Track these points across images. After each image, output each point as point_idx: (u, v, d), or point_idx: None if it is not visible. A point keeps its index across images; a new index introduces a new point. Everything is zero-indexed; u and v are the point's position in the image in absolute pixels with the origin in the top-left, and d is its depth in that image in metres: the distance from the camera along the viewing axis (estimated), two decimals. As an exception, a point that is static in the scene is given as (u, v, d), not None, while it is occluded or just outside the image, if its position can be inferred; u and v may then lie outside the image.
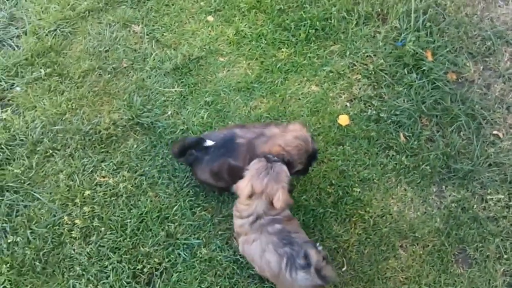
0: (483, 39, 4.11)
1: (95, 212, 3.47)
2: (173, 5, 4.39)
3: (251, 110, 3.90)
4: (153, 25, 4.29)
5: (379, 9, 4.21)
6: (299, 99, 3.92)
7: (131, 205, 3.52)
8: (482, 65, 4.03)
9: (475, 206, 3.54)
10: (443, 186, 3.61)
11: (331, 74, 4.00)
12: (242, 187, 2.80)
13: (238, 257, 3.33)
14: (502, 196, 3.54)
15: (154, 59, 4.08)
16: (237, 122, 3.80)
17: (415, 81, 3.88)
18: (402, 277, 3.29)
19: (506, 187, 3.57)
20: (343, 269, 3.30)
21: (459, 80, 3.97)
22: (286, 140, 2.96)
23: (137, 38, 4.22)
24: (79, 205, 3.49)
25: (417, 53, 3.96)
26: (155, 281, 3.28)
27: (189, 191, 3.59)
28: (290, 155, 2.94)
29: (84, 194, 3.50)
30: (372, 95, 3.90)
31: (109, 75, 4.03)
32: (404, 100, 3.86)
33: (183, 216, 3.50)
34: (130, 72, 4.05)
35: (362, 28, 4.17)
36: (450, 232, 3.46)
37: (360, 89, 3.94)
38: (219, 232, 3.45)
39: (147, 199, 3.53)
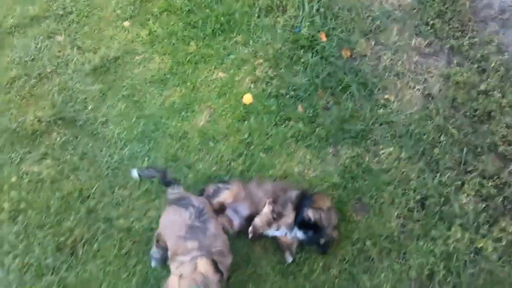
0: (373, 19, 4.53)
1: (21, 197, 3.76)
2: (92, 15, 4.79)
3: (165, 99, 4.24)
4: (74, 35, 4.68)
5: (278, 2, 4.63)
6: (208, 85, 4.29)
7: (55, 189, 3.81)
8: (374, 41, 4.44)
9: (368, 160, 3.85)
10: (339, 146, 3.95)
11: (236, 61, 4.39)
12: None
13: (154, 225, 3.62)
14: (392, 149, 3.87)
15: (75, 63, 4.45)
16: (153, 111, 4.22)
17: (310, 60, 4.25)
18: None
19: (396, 141, 3.91)
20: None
21: (353, 56, 4.37)
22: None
23: (60, 46, 4.60)
24: (7, 192, 3.76)
25: (312, 35, 4.37)
26: (78, 251, 3.54)
27: (108, 173, 3.88)
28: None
29: (11, 181, 3.77)
30: (272, 75, 4.28)
31: (34, 80, 4.38)
32: (301, 77, 4.23)
33: (103, 195, 3.78)
34: (53, 76, 4.42)
35: (263, 20, 4.58)
36: (346, 185, 3.76)
37: (262, 71, 4.32)
38: (136, 205, 3.71)
39: (69, 183, 3.81)
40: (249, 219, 3.43)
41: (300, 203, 3.40)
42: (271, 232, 3.42)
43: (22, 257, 3.55)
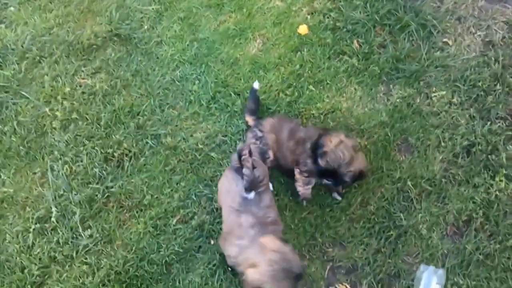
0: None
1: (74, 107, 3.90)
2: None
3: (220, 24, 4.25)
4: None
5: None
6: (264, 13, 4.26)
7: (107, 102, 3.94)
8: (438, -18, 4.27)
9: (419, 101, 3.81)
10: (391, 85, 3.90)
11: (294, -10, 4.31)
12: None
13: (200, 146, 3.76)
14: (445, 93, 3.80)
15: (134, -18, 4.47)
16: (207, 35, 4.25)
17: (371, -6, 4.15)
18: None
19: (450, 85, 3.83)
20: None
21: (417, -2, 4.24)
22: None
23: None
24: (60, 101, 3.92)
25: (375, -31, 4.24)
26: (124, 164, 3.69)
27: (159, 92, 3.97)
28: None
29: (65, 91, 3.91)
30: (331, 7, 4.21)
31: (93, -5, 4.43)
32: (360, 12, 4.15)
33: (153, 112, 3.88)
34: (112, -7, 4.45)
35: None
36: (394, 124, 3.74)
37: (320, 3, 4.25)
38: (184, 125, 3.81)
39: (121, 98, 3.92)
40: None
41: (315, 152, 3.36)
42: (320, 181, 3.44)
43: (70, 164, 3.72)
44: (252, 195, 2.91)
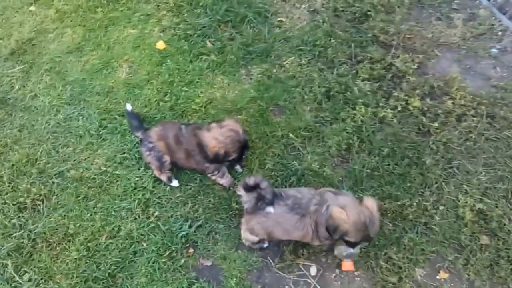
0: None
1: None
2: (-3, 7, 5.07)
3: (84, 63, 4.63)
4: (-16, 27, 4.93)
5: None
6: (122, 42, 4.73)
7: (3, 160, 4.10)
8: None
9: (275, 71, 4.46)
10: (249, 67, 4.54)
11: (142, 17, 4.87)
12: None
13: (103, 168, 4.06)
14: (293, 58, 4.50)
15: (-9, 51, 4.72)
16: (76, 76, 4.59)
17: (207, 1, 4.81)
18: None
19: (295, 51, 4.57)
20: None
21: (243, -8, 4.97)
22: (222, 132, 3.67)
23: (-27, 40, 4.84)
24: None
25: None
26: (38, 207, 3.86)
27: (49, 137, 4.25)
28: (225, 146, 3.65)
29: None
30: (178, 21, 4.80)
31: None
32: (203, 17, 4.78)
33: (49, 156, 4.14)
34: (-27, 68, 4.65)
35: (158, -22, 5.07)
36: (262, 96, 4.33)
37: (168, 20, 4.82)
38: (83, 157, 4.10)
39: (15, 153, 4.12)
40: None
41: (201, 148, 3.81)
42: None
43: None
44: (271, 208, 3.22)
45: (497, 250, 3.59)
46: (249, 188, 3.18)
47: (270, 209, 3.19)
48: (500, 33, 4.82)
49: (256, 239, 3.41)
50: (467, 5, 5.05)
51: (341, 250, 3.30)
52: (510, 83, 4.42)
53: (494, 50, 4.68)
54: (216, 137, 3.61)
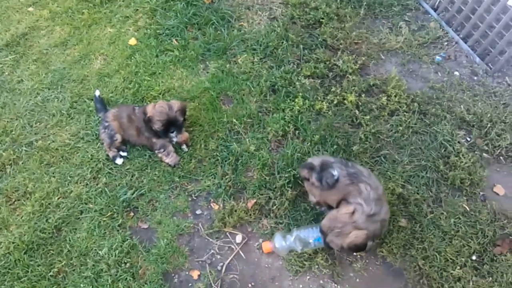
0: (227, -27, 5.76)
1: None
2: (0, 7, 5.83)
3: (67, 56, 5.29)
4: (-13, 22, 5.68)
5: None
6: (101, 39, 5.37)
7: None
8: (229, -13, 5.65)
9: (229, 67, 4.97)
10: (207, 62, 5.06)
11: (121, 18, 5.51)
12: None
13: (67, 141, 4.60)
14: (246, 55, 5.02)
15: (-10, 42, 5.45)
16: (58, 66, 5.19)
17: (178, 6, 5.43)
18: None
19: (249, 50, 5.07)
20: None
21: (213, 2, 5.57)
22: (160, 103, 4.22)
23: (-24, 33, 5.59)
24: None
25: (179, -10, 5.56)
26: (6, 170, 4.41)
27: (26, 114, 4.82)
28: (154, 114, 4.17)
29: None
30: (151, 22, 5.42)
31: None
32: (173, 19, 5.39)
33: (23, 129, 4.72)
34: (-27, 55, 5.38)
35: (141, -14, 5.75)
36: (214, 87, 4.82)
37: (142, 21, 5.45)
38: (52, 132, 4.67)
39: None
40: None
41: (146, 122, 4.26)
42: None
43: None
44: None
45: (412, 232, 3.89)
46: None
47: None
48: (446, 43, 5.21)
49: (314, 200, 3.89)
50: (419, 18, 5.48)
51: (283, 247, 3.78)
52: (447, 85, 4.77)
53: (438, 57, 5.05)
54: (154, 107, 4.12)
